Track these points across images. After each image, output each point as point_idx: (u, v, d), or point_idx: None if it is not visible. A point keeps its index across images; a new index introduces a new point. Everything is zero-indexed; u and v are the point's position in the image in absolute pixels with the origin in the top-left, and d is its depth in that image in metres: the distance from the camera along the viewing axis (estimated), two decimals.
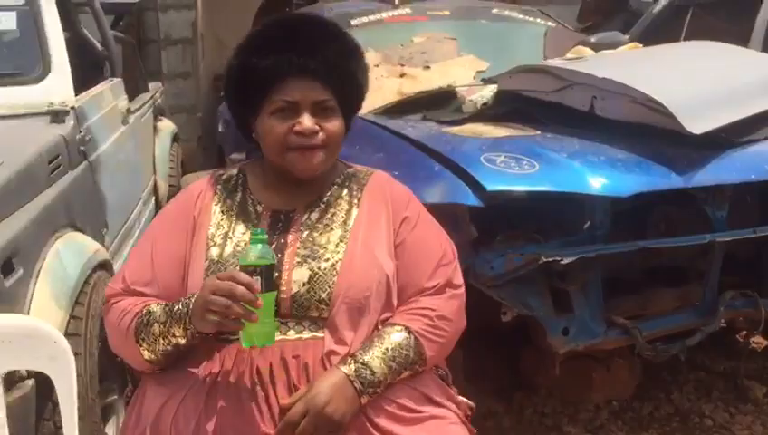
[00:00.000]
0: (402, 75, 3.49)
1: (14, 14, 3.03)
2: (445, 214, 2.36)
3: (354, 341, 1.55)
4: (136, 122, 4.10)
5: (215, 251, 1.58)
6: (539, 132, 2.69)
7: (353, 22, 3.99)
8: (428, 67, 3.59)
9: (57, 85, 2.93)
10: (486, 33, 4.12)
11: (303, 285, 1.54)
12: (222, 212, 1.65)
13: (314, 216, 1.64)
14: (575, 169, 2.39)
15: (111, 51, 4.03)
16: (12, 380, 1.96)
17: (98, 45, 4.09)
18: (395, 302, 1.61)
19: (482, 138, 2.63)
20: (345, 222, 1.63)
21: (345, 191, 1.68)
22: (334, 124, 1.61)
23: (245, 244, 1.57)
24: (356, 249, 1.59)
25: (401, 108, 3.12)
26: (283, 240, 1.60)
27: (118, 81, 3.88)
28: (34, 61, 2.96)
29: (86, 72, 3.74)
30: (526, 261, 2.36)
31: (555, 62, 2.89)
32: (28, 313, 2.12)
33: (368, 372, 1.50)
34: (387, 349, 1.53)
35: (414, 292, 1.62)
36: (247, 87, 1.61)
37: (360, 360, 1.51)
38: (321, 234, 1.61)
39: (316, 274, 1.54)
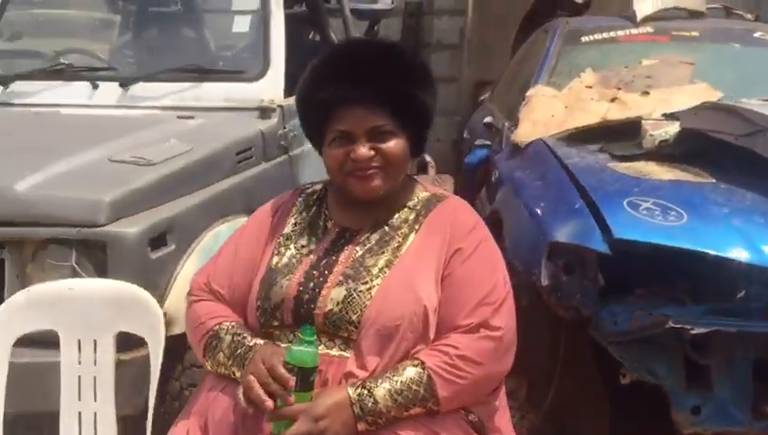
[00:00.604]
0: (613, 100, 3.26)
1: (248, 18, 3.41)
2: (575, 256, 2.24)
3: (378, 367, 1.54)
4: None
5: (275, 260, 1.67)
6: (713, 180, 2.37)
7: (583, 39, 3.81)
8: (647, 93, 3.31)
9: (270, 85, 3.25)
10: (737, 59, 3.66)
11: (338, 304, 1.56)
12: (295, 224, 1.73)
13: (374, 237, 1.66)
14: (728, 229, 2.09)
15: None
16: (142, 339, 2.27)
17: None
18: (431, 335, 1.57)
19: (642, 178, 2.39)
20: (398, 247, 1.63)
21: (412, 216, 1.68)
22: (393, 145, 1.62)
23: (303, 256, 1.66)
24: (396, 276, 1.59)
25: (587, 135, 2.93)
26: (334, 257, 1.64)
27: None
28: (256, 61, 3.31)
29: None
30: (653, 322, 2.12)
31: (752, 102, 2.50)
32: (172, 284, 2.43)
33: (370, 400, 1.48)
34: (397, 381, 1.51)
35: (448, 328, 1.57)
36: (309, 118, 1.70)
37: (368, 386, 1.50)
38: (372, 256, 1.62)
39: (351, 295, 1.56)
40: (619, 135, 2.82)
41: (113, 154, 2.60)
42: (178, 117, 3.11)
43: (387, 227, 1.66)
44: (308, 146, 3.35)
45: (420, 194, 1.72)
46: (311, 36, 4.53)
